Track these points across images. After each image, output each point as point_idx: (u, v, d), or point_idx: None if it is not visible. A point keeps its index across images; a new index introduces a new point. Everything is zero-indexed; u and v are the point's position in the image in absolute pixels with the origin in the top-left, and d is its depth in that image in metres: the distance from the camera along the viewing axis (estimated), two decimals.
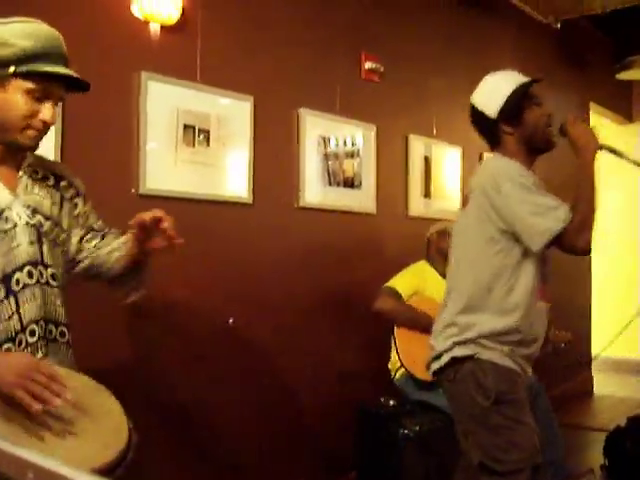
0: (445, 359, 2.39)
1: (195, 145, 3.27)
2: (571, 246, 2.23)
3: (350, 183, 4.09)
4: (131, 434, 1.71)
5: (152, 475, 2.72)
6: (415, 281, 3.79)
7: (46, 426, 1.59)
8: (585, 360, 7.10)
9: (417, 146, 4.62)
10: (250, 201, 3.50)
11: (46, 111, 1.80)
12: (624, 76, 7.47)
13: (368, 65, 4.22)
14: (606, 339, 7.88)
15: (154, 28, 3.12)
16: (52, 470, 0.61)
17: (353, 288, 4.03)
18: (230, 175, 3.44)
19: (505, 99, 2.39)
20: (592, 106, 7.37)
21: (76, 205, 2.05)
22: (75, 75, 1.82)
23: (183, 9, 3.16)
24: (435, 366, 2.45)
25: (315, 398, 3.83)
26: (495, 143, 2.47)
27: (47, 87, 1.79)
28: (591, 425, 5.80)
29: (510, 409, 2.29)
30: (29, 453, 0.63)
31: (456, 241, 2.49)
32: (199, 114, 3.29)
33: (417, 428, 3.53)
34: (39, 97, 1.79)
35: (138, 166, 3.05)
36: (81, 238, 2.05)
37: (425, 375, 3.60)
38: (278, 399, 3.64)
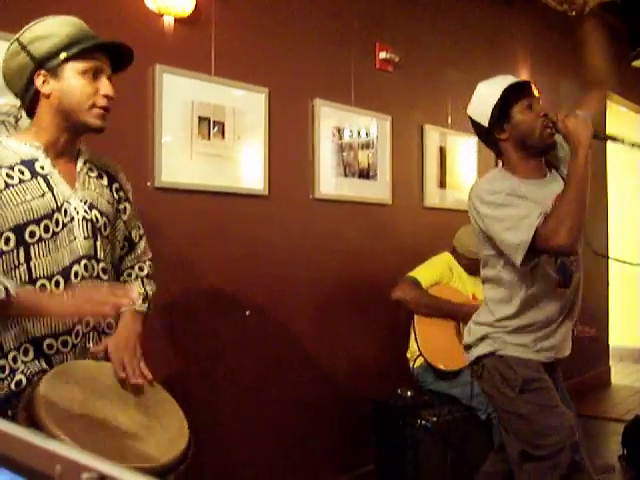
0: (472, 356, 2.52)
1: (210, 137, 3.27)
2: (546, 248, 2.26)
3: (365, 174, 4.08)
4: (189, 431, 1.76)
5: None
6: (438, 272, 3.78)
7: (115, 425, 1.63)
8: (603, 350, 7.08)
9: (432, 136, 4.60)
10: (266, 193, 3.50)
11: (104, 86, 1.88)
12: (638, 64, 7.41)
13: (382, 55, 4.20)
14: (623, 330, 7.89)
15: (168, 21, 3.12)
16: (80, 463, 0.61)
17: (369, 278, 4.03)
18: (245, 167, 3.44)
19: (494, 106, 2.40)
20: (608, 95, 7.31)
21: (125, 209, 2.11)
22: (119, 42, 1.92)
23: (197, 2, 3.16)
24: (467, 359, 2.59)
25: (333, 389, 3.83)
26: (497, 152, 2.51)
27: (97, 63, 1.87)
28: (609, 415, 5.77)
29: (538, 396, 2.37)
30: (57, 445, 0.63)
31: (478, 250, 2.59)
32: (214, 106, 3.29)
33: (435, 419, 3.53)
34: (94, 74, 1.87)
35: (154, 159, 3.05)
36: (120, 248, 2.11)
37: (444, 364, 3.61)
38: (295, 391, 3.64)
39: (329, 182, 3.87)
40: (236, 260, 3.38)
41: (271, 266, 3.54)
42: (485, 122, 2.44)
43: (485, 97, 2.44)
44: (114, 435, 1.60)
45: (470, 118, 2.53)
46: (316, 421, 3.76)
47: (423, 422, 3.51)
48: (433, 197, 4.60)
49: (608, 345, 7.19)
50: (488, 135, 2.48)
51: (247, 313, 3.41)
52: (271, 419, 3.50)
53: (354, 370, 3.94)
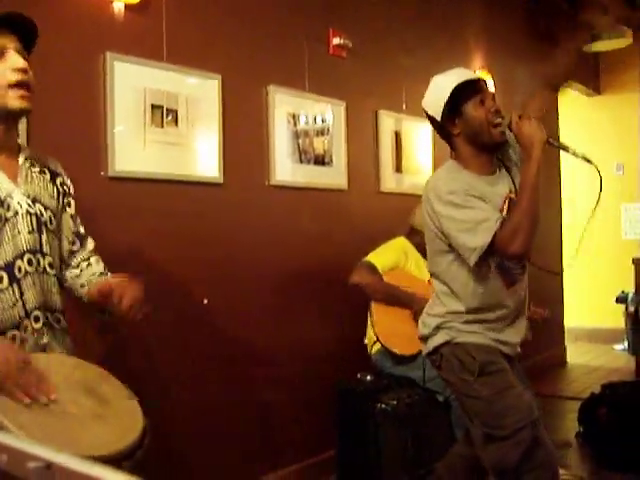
0: (429, 347, 2.55)
1: (164, 125, 3.24)
2: (503, 253, 2.31)
3: (321, 160, 4.09)
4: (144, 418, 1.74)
5: None
6: (394, 257, 3.80)
7: (65, 414, 1.61)
8: (558, 331, 7.21)
9: (387, 121, 4.62)
10: (221, 180, 3.48)
11: (12, 60, 1.79)
12: (591, 48, 7.52)
13: (336, 41, 4.19)
14: (577, 312, 8.03)
15: (118, 7, 3.07)
16: (26, 451, 0.61)
17: (327, 264, 4.03)
18: (200, 155, 3.41)
19: (446, 100, 2.41)
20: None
21: (70, 204, 2.09)
22: (10, 12, 1.80)
23: None
24: (424, 350, 2.63)
25: (292, 376, 3.84)
26: (451, 146, 2.54)
27: None
28: (566, 394, 5.89)
29: (496, 379, 2.42)
30: (2, 435, 0.63)
31: (427, 242, 2.58)
32: (167, 94, 3.26)
33: (394, 402, 3.56)
34: None
35: (107, 148, 3.02)
36: (69, 243, 2.08)
37: (401, 349, 3.63)
38: (255, 379, 3.64)
39: (285, 169, 3.86)
40: (192, 248, 3.36)
41: (228, 253, 3.53)
42: (438, 116, 2.46)
43: (438, 91, 2.46)
44: (65, 424, 1.58)
45: (424, 111, 2.55)
46: (277, 407, 3.76)
47: (383, 406, 3.54)
48: (389, 182, 4.61)
49: (563, 326, 7.32)
50: (441, 129, 2.51)
51: (205, 301, 3.39)
52: (231, 405, 3.50)
53: (314, 356, 3.95)
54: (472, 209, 2.31)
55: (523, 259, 2.38)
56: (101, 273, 2.11)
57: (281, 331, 3.78)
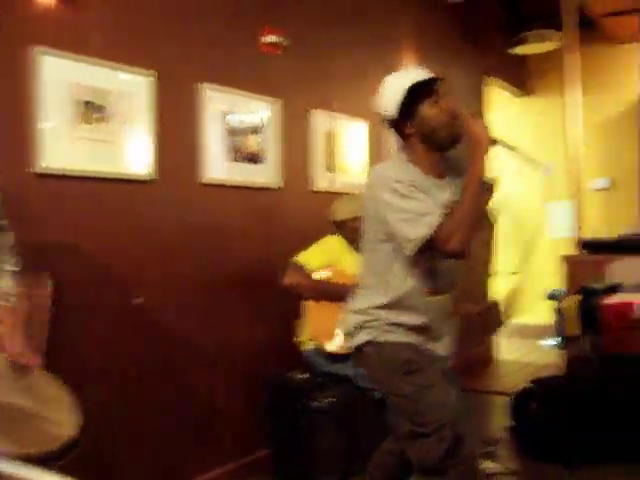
0: (353, 344, 2.55)
1: (94, 122, 3.18)
2: (441, 249, 2.29)
3: (254, 158, 4.06)
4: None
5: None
6: (325, 255, 3.80)
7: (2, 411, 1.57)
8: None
9: (320, 120, 4.62)
10: (153, 178, 3.43)
11: None
12: (519, 50, 7.69)
13: (270, 39, 4.17)
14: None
15: (48, 0, 2.99)
16: None
17: (260, 263, 4.02)
18: (131, 152, 3.35)
19: (399, 100, 2.42)
20: (489, 79, 7.54)
21: None
22: None
23: None
24: (349, 347, 2.61)
25: (226, 375, 3.81)
26: (404, 145, 2.51)
27: None
28: (496, 389, 5.98)
29: (419, 377, 2.43)
30: None
31: (363, 232, 2.56)
32: (98, 90, 3.19)
33: (328, 400, 3.56)
34: None
35: (34, 144, 2.94)
36: None
37: (333, 347, 3.64)
38: (188, 378, 3.61)
39: (218, 167, 3.83)
40: (123, 247, 3.31)
41: (160, 252, 3.48)
42: (392, 116, 2.46)
43: (392, 91, 2.46)
44: None
45: (378, 111, 2.54)
46: (210, 407, 3.73)
47: (317, 404, 3.54)
48: (322, 181, 4.62)
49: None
50: (396, 128, 2.50)
51: (137, 300, 3.34)
52: (164, 405, 3.46)
53: (247, 355, 3.93)
54: (416, 201, 2.31)
55: (460, 257, 2.36)
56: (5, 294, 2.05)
57: (214, 330, 3.75)
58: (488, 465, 3.88)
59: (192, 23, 3.72)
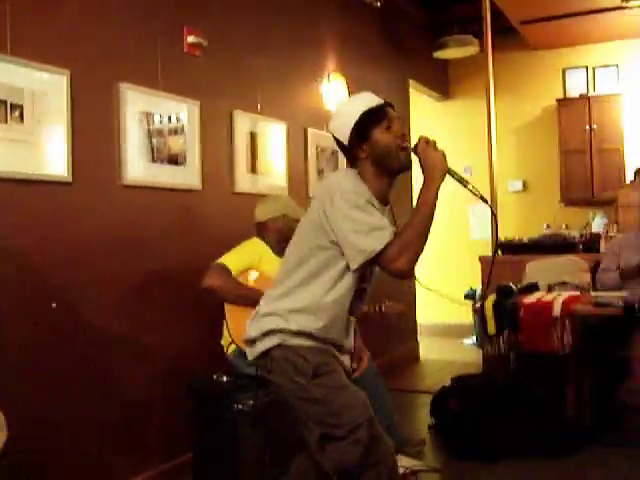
0: (258, 350, 2.50)
1: (8, 121, 3.10)
2: (387, 268, 2.32)
3: (175, 160, 4.03)
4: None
5: None
6: (247, 258, 3.78)
7: None
8: (411, 327, 7.44)
9: (242, 122, 4.61)
10: (70, 179, 3.37)
11: None
12: (440, 55, 7.82)
13: (190, 39, 4.15)
14: (429, 309, 8.33)
15: None
16: None
17: (180, 266, 3.99)
18: (47, 153, 3.28)
19: (353, 125, 2.44)
20: (411, 83, 7.66)
21: None
22: None
23: None
24: (251, 354, 2.55)
25: (149, 379, 3.77)
26: (354, 166, 2.52)
27: None
28: (419, 388, 6.08)
29: (329, 379, 2.42)
30: None
31: (295, 236, 2.55)
32: (11, 88, 3.12)
33: (251, 402, 3.55)
34: None
35: None
36: None
37: None
38: (110, 382, 3.55)
39: (137, 168, 3.78)
40: (40, 250, 3.24)
41: (78, 255, 3.42)
42: (345, 140, 2.48)
43: (345, 117, 2.48)
44: None
45: (332, 134, 2.55)
46: (132, 411, 3.68)
47: (240, 406, 3.52)
48: (244, 183, 4.61)
49: (416, 322, 7.56)
50: (348, 152, 2.51)
51: (53, 305, 3.28)
52: (86, 410, 3.40)
53: (170, 357, 3.90)
54: (371, 215, 2.32)
55: (407, 277, 2.38)
56: None
57: (135, 333, 3.71)
58: (410, 463, 3.93)
59: (110, 22, 3.66)
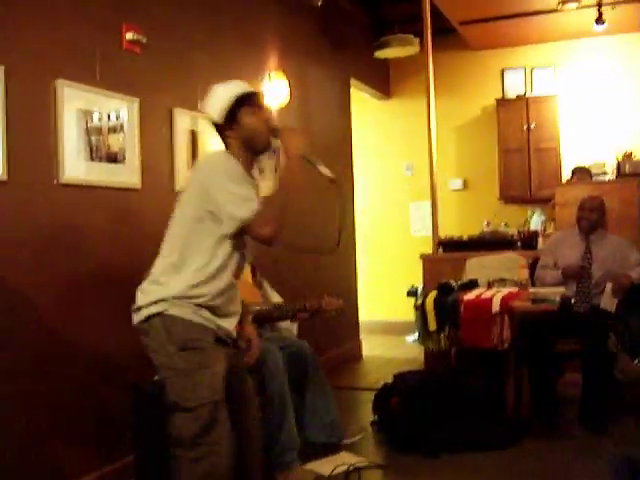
0: (142, 315, 2.73)
1: None
2: (255, 235, 2.67)
3: (114, 158, 3.97)
4: None
5: None
6: None
7: None
8: (353, 325, 7.48)
9: (182, 119, 4.57)
10: (5, 178, 3.30)
11: None
12: (381, 54, 7.87)
13: (129, 36, 4.10)
14: (372, 306, 8.40)
15: None
16: None
17: (119, 265, 3.94)
18: None
19: (225, 107, 2.77)
20: (353, 82, 7.70)
21: None
22: None
23: None
24: (135, 319, 2.78)
25: (89, 381, 3.71)
26: (225, 145, 2.84)
27: None
28: (361, 385, 6.12)
29: (195, 355, 2.65)
30: None
31: (176, 209, 2.83)
32: None
33: None
34: None
35: None
36: None
37: None
38: (48, 383, 3.48)
39: (75, 167, 3.71)
40: None
41: (14, 256, 3.35)
42: (217, 119, 2.80)
43: (219, 99, 2.80)
44: None
45: (205, 115, 2.88)
46: (72, 414, 3.62)
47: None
48: (184, 181, 4.55)
49: (358, 320, 7.60)
50: (219, 131, 2.83)
51: None
52: (22, 412, 3.33)
53: (109, 361, 3.84)
54: (243, 187, 2.63)
55: (271, 244, 2.66)
56: None
57: (74, 334, 3.64)
58: (353, 459, 3.96)
59: (47, 16, 3.59)
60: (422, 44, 6.97)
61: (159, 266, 2.78)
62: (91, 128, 3.83)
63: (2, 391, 3.25)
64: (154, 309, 2.68)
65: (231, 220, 2.60)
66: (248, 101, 2.80)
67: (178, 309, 2.66)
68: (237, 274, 2.82)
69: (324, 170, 2.79)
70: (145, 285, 2.79)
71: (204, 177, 2.69)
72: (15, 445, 3.29)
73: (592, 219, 4.93)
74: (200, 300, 2.67)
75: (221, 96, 2.80)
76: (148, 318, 2.70)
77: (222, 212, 2.61)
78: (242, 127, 2.77)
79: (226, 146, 2.82)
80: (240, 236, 2.70)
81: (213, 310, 2.72)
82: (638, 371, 4.43)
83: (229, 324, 2.81)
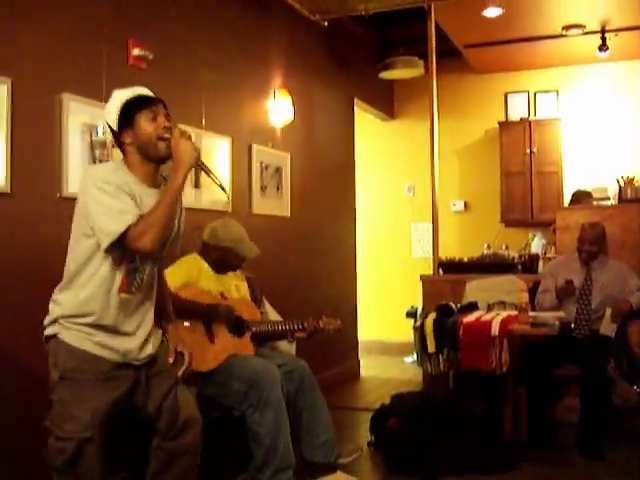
0: (45, 334, 2.64)
1: None
2: (130, 247, 2.50)
3: None
4: None
5: None
6: (184, 274, 3.78)
7: None
8: (352, 345, 7.47)
9: None
10: (8, 190, 3.32)
11: None
12: (386, 75, 7.90)
13: (136, 52, 4.13)
14: (370, 326, 8.38)
15: None
16: None
17: None
18: None
19: (117, 111, 2.63)
20: (357, 102, 7.72)
21: None
22: None
23: None
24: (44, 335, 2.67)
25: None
26: (123, 153, 2.70)
27: None
28: (359, 406, 6.09)
29: (71, 387, 2.56)
30: None
31: (73, 226, 2.68)
32: None
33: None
34: None
35: None
36: None
37: (195, 366, 3.59)
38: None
39: (79, 180, 3.71)
40: None
41: (16, 268, 3.35)
42: (113, 125, 2.65)
43: (115, 102, 2.66)
44: None
45: (104, 119, 2.72)
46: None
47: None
48: (188, 198, 4.57)
49: (357, 339, 7.59)
50: (115, 137, 2.68)
51: None
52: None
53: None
54: (118, 200, 2.49)
55: (149, 256, 2.58)
56: None
57: None
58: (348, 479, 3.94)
59: (55, 32, 3.62)
60: (427, 66, 7.01)
61: (61, 284, 2.68)
62: (95, 142, 3.85)
63: None
64: (50, 330, 2.62)
65: (101, 234, 2.48)
66: (145, 105, 2.65)
67: (67, 333, 2.58)
68: (144, 289, 2.69)
69: (214, 177, 2.73)
70: (51, 302, 2.69)
71: (83, 192, 2.57)
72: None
73: (592, 251, 4.89)
74: (89, 319, 2.57)
75: (118, 98, 2.66)
76: (47, 339, 2.63)
77: (95, 227, 2.50)
78: (137, 132, 2.62)
79: (124, 155, 2.68)
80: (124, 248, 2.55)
81: (110, 330, 2.61)
82: (637, 397, 4.41)
83: (131, 343, 2.66)
